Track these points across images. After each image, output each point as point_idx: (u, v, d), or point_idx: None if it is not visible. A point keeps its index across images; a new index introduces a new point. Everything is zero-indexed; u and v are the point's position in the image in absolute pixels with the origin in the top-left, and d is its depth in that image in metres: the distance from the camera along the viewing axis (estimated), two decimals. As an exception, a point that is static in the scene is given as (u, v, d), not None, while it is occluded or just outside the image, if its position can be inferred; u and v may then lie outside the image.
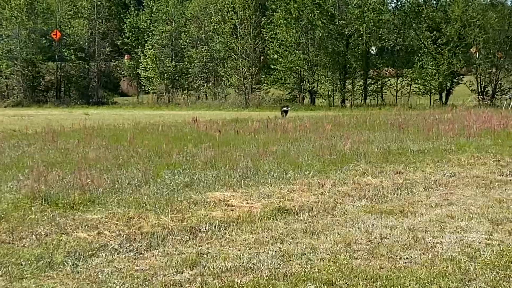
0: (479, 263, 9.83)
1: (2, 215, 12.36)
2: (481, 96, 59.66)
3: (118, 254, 10.16)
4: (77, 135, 27.14)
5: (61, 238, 10.90)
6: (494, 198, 14.62)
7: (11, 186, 14.93)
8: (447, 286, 8.74)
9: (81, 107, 59.49)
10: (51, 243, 10.61)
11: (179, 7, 71.04)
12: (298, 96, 62.18)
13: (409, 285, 8.75)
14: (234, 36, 64.25)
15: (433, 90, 60.91)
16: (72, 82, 71.25)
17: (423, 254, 10.33)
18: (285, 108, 34.16)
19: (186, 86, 68.21)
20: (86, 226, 11.73)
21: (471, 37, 59.41)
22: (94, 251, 10.18)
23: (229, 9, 65.34)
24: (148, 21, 72.33)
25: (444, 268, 9.56)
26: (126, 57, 75.72)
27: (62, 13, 73.12)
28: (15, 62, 67.05)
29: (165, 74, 68.05)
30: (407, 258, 10.10)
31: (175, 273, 9.21)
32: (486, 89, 59.91)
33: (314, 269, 9.44)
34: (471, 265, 9.69)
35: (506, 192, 15.39)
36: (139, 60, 71.10)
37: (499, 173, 18.08)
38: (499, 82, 59.44)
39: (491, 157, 21.16)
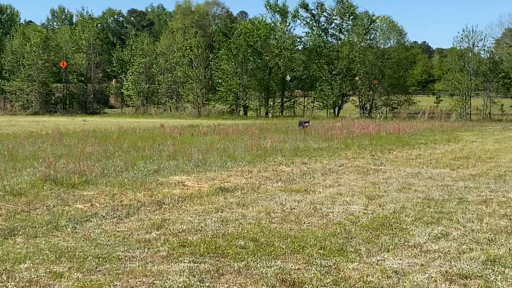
0: (358, 226, 10.06)
1: (22, 192, 12.43)
2: (362, 111, 60.20)
3: (105, 219, 10.40)
4: (77, 136, 27.00)
5: (64, 208, 11.09)
6: (369, 181, 14.88)
7: (29, 172, 14.93)
8: (336, 242, 8.92)
9: (81, 116, 58.83)
10: (57, 212, 10.79)
11: (151, 46, 70.59)
12: (235, 109, 62.27)
13: (310, 241, 8.91)
14: (191, 66, 64.08)
15: (329, 106, 61.23)
16: (74, 98, 70.60)
17: (320, 220, 10.55)
18: (306, 124, 31.59)
19: (156, 101, 67.81)
20: (83, 200, 11.93)
21: (355, 70, 59.96)
22: (88, 218, 10.45)
23: (187, 47, 65.10)
24: (129, 55, 71.78)
25: (334, 230, 9.78)
26: (113, 81, 75.12)
27: (68, 48, 72.37)
28: (34, 83, 66.16)
29: (141, 93, 67.62)
30: (309, 222, 10.31)
31: (145, 233, 9.40)
32: (365, 105, 60.39)
33: (244, 230, 9.65)
34: (353, 227, 9.93)
35: (378, 177, 15.66)
36: (123, 83, 70.56)
37: (373, 164, 18.39)
38: (374, 101, 59.98)
39: (368, 153, 21.49)
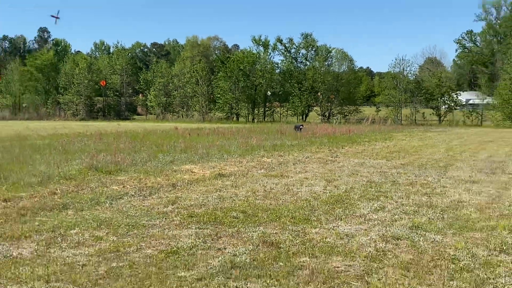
0: (319, 201, 10.08)
1: (72, 177, 12.47)
2: (322, 117, 60.13)
3: (133, 197, 10.39)
4: (113, 136, 26.90)
5: (103, 189, 11.09)
6: (327, 169, 14.88)
7: (77, 162, 14.90)
8: (303, 213, 8.97)
9: (115, 121, 58.64)
10: (98, 192, 10.79)
11: (168, 69, 70.37)
12: (230, 116, 62.17)
13: (284, 212, 8.95)
14: (197, 85, 63.94)
15: (298, 114, 61.18)
16: (111, 107, 70.39)
17: (291, 197, 10.56)
18: (301, 127, 30.14)
19: (171, 110, 67.62)
20: (117, 183, 11.90)
21: (317, 87, 59.94)
22: (121, 196, 10.42)
23: (194, 71, 64.98)
24: (152, 76, 71.51)
25: (302, 204, 9.80)
26: (140, 95, 74.82)
27: (106, 71, 72.17)
28: (81, 97, 66.01)
29: (160, 104, 67.39)
30: (283, 199, 10.32)
31: (163, 207, 9.42)
32: (325, 113, 60.35)
33: (236, 205, 9.67)
34: (315, 202, 9.95)
35: (334, 166, 15.66)
36: (147, 97, 70.27)
37: (331, 156, 18.39)
38: (331, 110, 60.00)
39: (327, 148, 21.51)
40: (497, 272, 6.01)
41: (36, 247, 6.83)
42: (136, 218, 8.45)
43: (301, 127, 28.31)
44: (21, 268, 5.97)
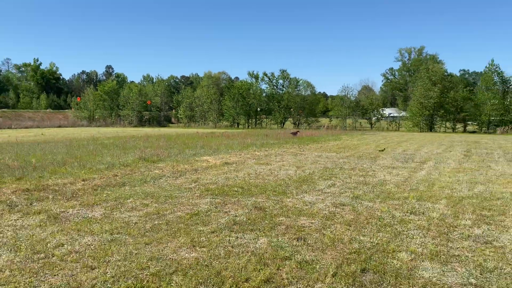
0: (292, 181, 10.06)
1: (128, 164, 12.35)
2: (294, 125, 60.02)
3: (169, 178, 10.31)
4: (155, 137, 26.69)
5: (149, 172, 10.96)
6: (297, 159, 14.81)
7: (132, 154, 14.72)
8: (281, 188, 8.96)
9: (157, 127, 58.33)
10: (145, 174, 10.68)
11: (192, 93, 69.89)
12: (233, 124, 61.81)
13: (268, 188, 8.96)
14: (211, 103, 63.65)
15: (278, 123, 61.00)
16: (154, 118, 69.73)
17: (273, 178, 10.51)
18: (296, 132, 27.51)
19: (194, 120, 67.09)
20: (158, 168, 11.76)
21: (290, 105, 59.80)
22: (160, 177, 10.31)
23: (209, 94, 64.69)
24: (181, 97, 71.08)
25: (280, 182, 9.77)
26: (173, 110, 74.31)
27: (151, 94, 71.73)
28: (134, 111, 65.53)
29: (187, 116, 66.92)
30: (268, 179, 10.28)
31: (188, 184, 9.35)
32: (296, 122, 60.24)
33: (237, 183, 9.64)
34: (289, 181, 9.92)
35: (301, 157, 15.59)
36: (178, 111, 69.87)
37: (299, 151, 18.31)
38: (300, 120, 59.88)
39: (297, 146, 21.39)
40: (408, 227, 6.04)
41: (104, 211, 6.80)
42: (170, 192, 8.42)
43: (297, 132, 26.68)
44: (93, 225, 5.95)
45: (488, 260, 4.66)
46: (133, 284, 3.94)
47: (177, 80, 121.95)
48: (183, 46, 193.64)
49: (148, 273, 4.20)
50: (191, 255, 4.74)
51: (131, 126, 61.77)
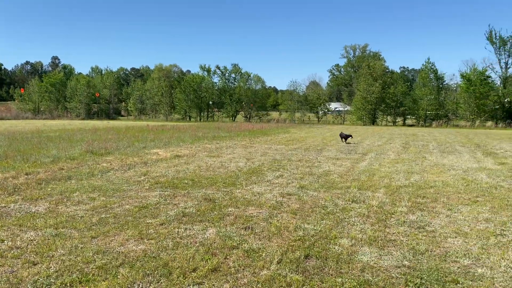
0: (242, 172, 10.12)
1: (74, 158, 11.87)
2: (245, 118, 60.17)
3: (117, 171, 10.05)
4: (104, 129, 25.73)
5: (96, 166, 10.62)
6: (247, 151, 14.90)
7: (79, 148, 14.12)
8: (231, 180, 8.99)
9: (106, 120, 56.29)
10: (93, 167, 10.35)
11: (142, 86, 67.98)
12: (185, 117, 60.90)
13: (218, 180, 8.97)
14: (162, 96, 62.31)
15: (230, 116, 60.79)
16: (103, 111, 67.14)
17: (224, 170, 10.52)
18: (350, 137, 19.14)
19: (145, 113, 65.35)
20: (106, 161, 11.42)
21: (242, 99, 59.80)
22: (108, 170, 10.02)
23: (160, 87, 63.24)
24: (131, 90, 69.06)
25: (230, 174, 9.82)
26: (123, 103, 71.97)
27: (99, 86, 69.05)
28: (81, 104, 62.89)
29: (137, 109, 65.10)
30: (218, 171, 10.28)
31: (137, 178, 9.19)
32: (247, 116, 60.38)
33: (187, 175, 9.58)
34: (239, 173, 9.99)
35: (251, 150, 15.68)
36: (128, 104, 67.79)
37: (250, 143, 18.41)
38: (251, 113, 60.07)
39: (247, 138, 21.49)
40: (350, 214, 6.28)
41: (48, 205, 6.50)
42: (119, 185, 8.18)
43: (350, 137, 19.41)
44: (37, 220, 5.67)
45: (420, 244, 4.95)
46: (78, 278, 3.81)
47: (127, 72, 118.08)
48: (133, 38, 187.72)
49: (94, 267, 4.08)
50: (139, 247, 4.65)
51: (79, 119, 59.20)
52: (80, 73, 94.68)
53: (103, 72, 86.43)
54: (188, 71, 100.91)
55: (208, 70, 63.66)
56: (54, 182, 8.34)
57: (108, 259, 4.27)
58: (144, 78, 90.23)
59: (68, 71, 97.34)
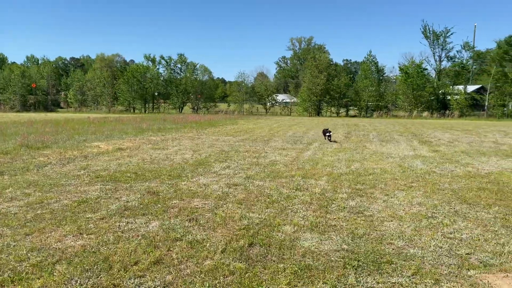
0: (188, 164, 10.02)
1: (8, 152, 11.14)
2: (193, 110, 59.33)
3: (55, 165, 9.64)
4: (41, 122, 24.27)
5: (32, 160, 10.09)
6: (194, 143, 14.79)
7: (13, 142, 13.26)
8: (176, 172, 8.89)
9: (43, 112, 53.21)
10: (28, 162, 9.80)
11: (83, 76, 64.89)
12: (128, 109, 58.88)
13: (163, 172, 8.81)
14: (104, 87, 59.93)
15: (176, 107, 59.59)
16: (40, 102, 63.17)
17: (169, 162, 10.36)
18: (329, 134, 16.14)
19: (86, 104, 62.47)
20: (43, 155, 10.90)
21: (189, 90, 58.86)
22: (45, 165, 9.56)
23: (102, 77, 60.77)
24: (71, 80, 65.65)
25: (176, 167, 9.68)
26: (62, 94, 68.33)
27: (36, 77, 64.87)
28: (16, 95, 58.99)
29: (77, 100, 62.13)
30: (163, 164, 10.12)
31: (77, 172, 8.85)
32: (195, 107, 59.52)
33: (130, 168, 9.33)
34: (185, 165, 9.86)
35: (198, 141, 15.54)
36: (68, 95, 64.51)
37: (197, 135, 18.23)
38: (199, 105, 59.35)
39: (195, 130, 21.22)
40: (293, 202, 6.43)
41: (-24, 203, 6.07)
42: (56, 180, 7.81)
43: (329, 134, 16.25)
44: (-37, 219, 5.28)
45: (359, 228, 5.19)
46: (10, 277, 3.61)
47: (66, 62, 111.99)
48: (72, 26, 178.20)
49: (27, 265, 3.88)
50: (78, 243, 4.48)
51: (13, 111, 55.58)
52: (14, 62, 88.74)
53: (39, 62, 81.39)
54: (132, 61, 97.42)
55: (153, 60, 61.97)
56: (-16, 179, 7.79)
57: (43, 256, 4.08)
58: (84, 68, 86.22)
59: (0, 60, 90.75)
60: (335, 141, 15.10)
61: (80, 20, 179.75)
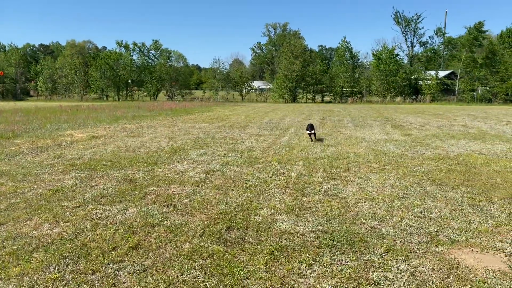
0: (164, 151, 9.90)
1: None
2: (168, 97, 58.53)
3: (27, 155, 9.46)
4: (11, 112, 23.50)
5: (3, 149, 9.88)
6: (170, 131, 14.67)
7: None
8: (152, 160, 8.78)
9: (13, 101, 51.45)
10: None
11: (53, 63, 63.04)
12: (101, 97, 57.64)
13: (139, 160, 8.74)
14: (76, 74, 58.39)
15: (151, 95, 58.75)
16: (9, 91, 61.02)
17: (144, 150, 10.26)
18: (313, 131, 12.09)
19: (57, 92, 60.80)
20: (14, 145, 10.66)
21: (163, 77, 57.96)
22: (17, 154, 9.35)
23: (73, 64, 59.14)
24: (40, 68, 63.58)
25: (152, 154, 9.60)
26: (32, 82, 66.14)
27: (3, 65, 62.49)
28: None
29: (48, 89, 60.35)
30: (139, 151, 10.03)
31: (51, 161, 8.68)
32: (170, 94, 58.75)
33: (105, 156, 9.22)
34: (161, 152, 9.74)
35: (174, 129, 15.43)
36: (37, 83, 62.54)
37: (172, 122, 18.08)
38: (174, 92, 58.56)
39: (170, 117, 21.05)
40: (270, 186, 6.54)
41: None
42: (29, 169, 7.66)
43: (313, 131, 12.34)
44: None
45: (333, 209, 5.34)
46: (-15, 267, 3.57)
47: (35, 49, 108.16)
48: (41, 11, 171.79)
49: (3, 253, 3.84)
50: (54, 230, 4.45)
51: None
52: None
53: (6, 49, 78.32)
54: (104, 47, 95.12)
55: (126, 47, 60.70)
56: (-48, 169, 7.57)
57: (19, 245, 4.04)
58: (54, 55, 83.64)
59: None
60: (320, 140, 12.00)
61: (49, 4, 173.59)
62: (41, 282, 3.33)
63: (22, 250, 3.94)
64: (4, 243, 4.09)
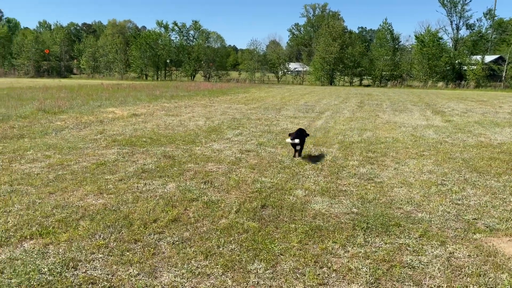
0: (201, 130, 10.14)
1: (26, 116, 11.45)
2: (205, 78, 59.04)
3: (72, 129, 9.90)
4: (56, 88, 24.58)
5: (50, 124, 10.42)
6: (207, 111, 14.90)
7: (30, 106, 13.55)
8: (190, 138, 9.06)
9: (58, 78, 53.57)
10: (46, 126, 10.11)
11: (95, 42, 64.82)
12: (141, 76, 58.96)
13: (178, 138, 9.01)
14: (117, 53, 59.80)
15: (188, 75, 59.52)
16: (54, 68, 63.48)
17: (183, 128, 10.55)
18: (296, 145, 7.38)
19: (98, 71, 62.65)
20: (60, 120, 11.23)
21: (201, 58, 58.33)
22: (63, 128, 9.87)
23: (114, 43, 60.58)
24: (83, 46, 65.52)
25: (190, 133, 9.86)
26: (75, 60, 68.42)
27: (49, 42, 64.82)
28: (30, 61, 59.33)
29: (90, 67, 62.27)
30: (177, 130, 10.31)
31: (94, 136, 9.08)
32: (207, 75, 59.22)
33: (145, 133, 9.54)
34: (199, 131, 9.99)
35: (211, 109, 15.67)
36: (80, 61, 64.61)
37: (209, 102, 18.34)
38: (211, 73, 58.87)
39: (207, 98, 21.34)
40: (305, 168, 6.57)
41: (0, 163, 6.32)
42: (74, 143, 8.04)
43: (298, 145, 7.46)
44: (-10, 178, 5.54)
45: (368, 193, 5.32)
46: (38, 231, 3.84)
47: (78, 28, 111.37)
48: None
49: (53, 220, 4.11)
50: (98, 201, 4.70)
51: (28, 77, 56.06)
52: (27, 27, 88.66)
53: (52, 28, 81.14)
54: (144, 27, 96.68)
55: (166, 27, 61.33)
56: (6, 141, 8.06)
57: (67, 213, 4.31)
58: (96, 34, 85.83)
59: (13, 26, 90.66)
60: (301, 158, 7.26)
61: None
62: (88, 248, 3.56)
63: (70, 218, 4.20)
64: (54, 211, 4.37)
